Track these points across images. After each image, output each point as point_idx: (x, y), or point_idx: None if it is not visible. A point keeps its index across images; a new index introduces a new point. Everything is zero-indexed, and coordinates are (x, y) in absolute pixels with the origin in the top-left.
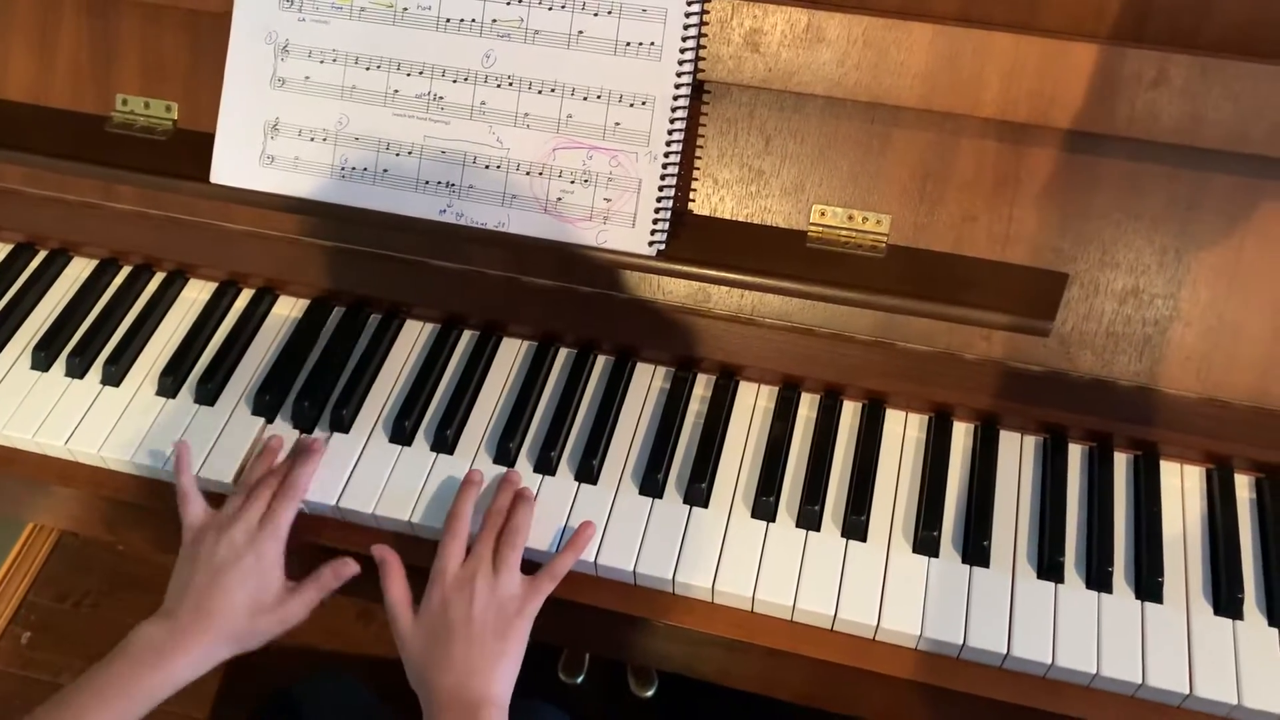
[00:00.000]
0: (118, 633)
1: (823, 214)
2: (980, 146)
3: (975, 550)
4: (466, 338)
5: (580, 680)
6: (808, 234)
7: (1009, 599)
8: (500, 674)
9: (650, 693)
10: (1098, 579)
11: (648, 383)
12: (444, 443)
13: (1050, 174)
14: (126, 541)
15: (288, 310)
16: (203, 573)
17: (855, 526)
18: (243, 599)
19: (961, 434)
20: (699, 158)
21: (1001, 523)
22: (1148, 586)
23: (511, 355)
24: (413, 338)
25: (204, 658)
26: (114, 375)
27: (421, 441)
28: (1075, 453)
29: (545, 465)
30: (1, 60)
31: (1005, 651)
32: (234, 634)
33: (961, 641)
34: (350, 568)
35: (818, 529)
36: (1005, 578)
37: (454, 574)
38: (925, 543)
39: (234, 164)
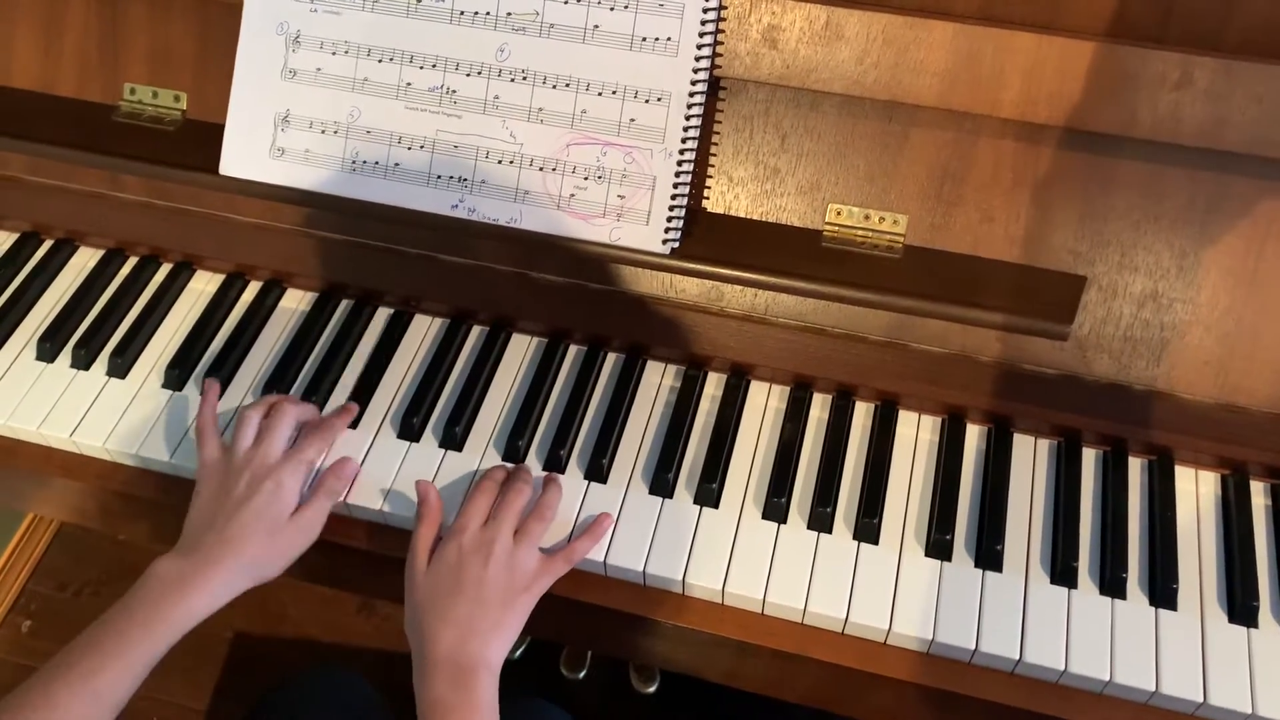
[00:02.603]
0: None
1: (839, 213)
2: (999, 147)
3: (988, 554)
4: (476, 333)
5: (582, 675)
6: (823, 233)
7: (1022, 604)
8: (498, 641)
9: (652, 688)
10: (1111, 585)
11: (658, 381)
12: (452, 439)
13: (1069, 175)
14: (131, 535)
15: (295, 303)
16: (221, 504)
17: (867, 529)
18: (262, 526)
19: (975, 436)
20: (714, 155)
21: (1015, 527)
22: (1162, 593)
23: (521, 351)
24: (421, 332)
25: (224, 588)
26: (120, 367)
27: (430, 438)
28: (1089, 457)
29: (555, 463)
30: (7, 48)
31: (1018, 657)
32: (253, 561)
33: (974, 646)
34: (350, 465)
35: (829, 531)
36: (1018, 582)
37: (475, 532)
38: (938, 546)
39: (244, 156)
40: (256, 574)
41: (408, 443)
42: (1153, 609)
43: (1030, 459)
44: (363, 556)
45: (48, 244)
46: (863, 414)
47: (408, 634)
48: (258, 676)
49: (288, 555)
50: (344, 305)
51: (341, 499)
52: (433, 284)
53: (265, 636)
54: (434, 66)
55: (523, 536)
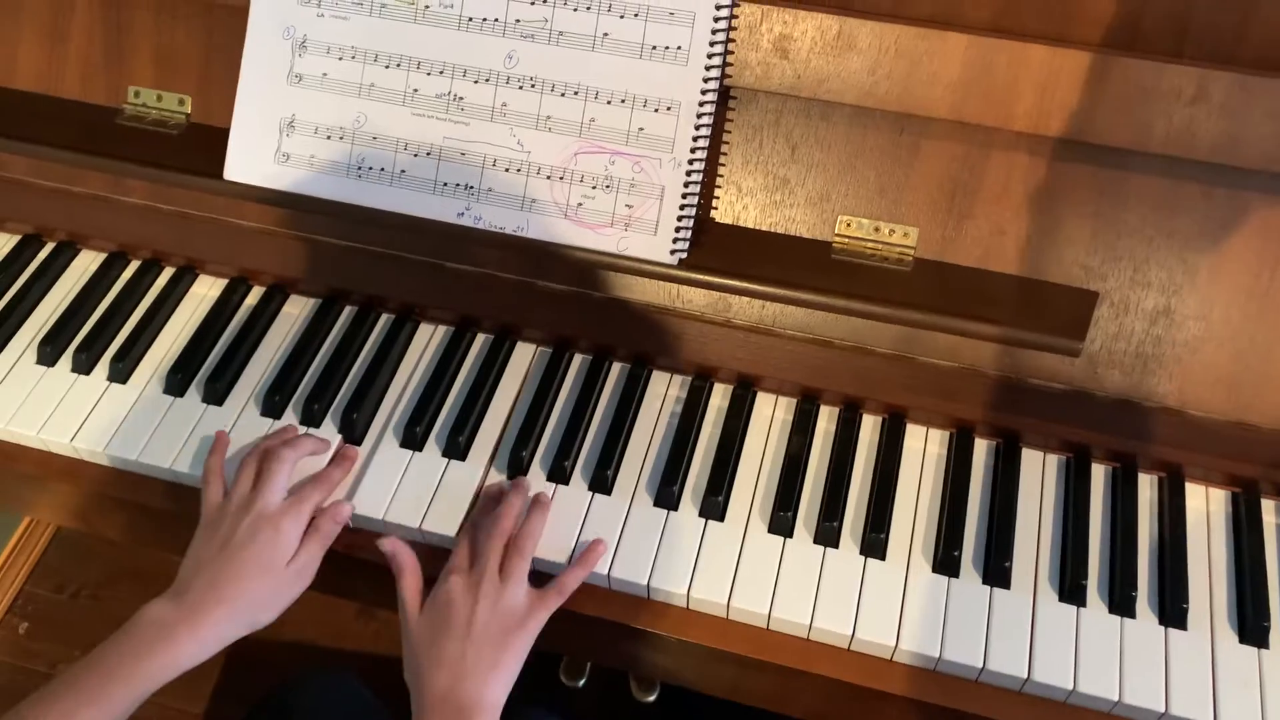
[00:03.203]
0: (115, 625)
1: (848, 225)
2: (1011, 160)
3: (996, 571)
4: (480, 341)
5: (582, 684)
6: (833, 245)
7: (1030, 622)
8: (494, 683)
9: (652, 698)
10: (1121, 603)
11: (664, 391)
12: (456, 449)
13: (1082, 189)
14: (130, 541)
15: (298, 309)
16: (217, 549)
17: (874, 544)
18: (256, 572)
19: (983, 451)
20: (723, 165)
21: (1023, 543)
22: (1172, 613)
23: (525, 360)
24: (425, 340)
25: (215, 636)
26: (121, 372)
27: (433, 447)
28: (1099, 473)
29: (559, 474)
30: (11, 49)
31: (1026, 675)
32: (247, 607)
33: (981, 664)
34: (345, 510)
35: (836, 546)
36: (1026, 600)
37: (463, 576)
38: (946, 562)
39: (248, 161)
40: (249, 621)
41: (411, 451)
42: (1162, 628)
43: (1039, 474)
44: (364, 566)
45: (49, 246)
46: (870, 427)
47: (408, 682)
48: (255, 680)
49: (282, 602)
50: (347, 311)
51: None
52: (437, 291)
53: (263, 640)
54: (441, 73)
55: (506, 575)
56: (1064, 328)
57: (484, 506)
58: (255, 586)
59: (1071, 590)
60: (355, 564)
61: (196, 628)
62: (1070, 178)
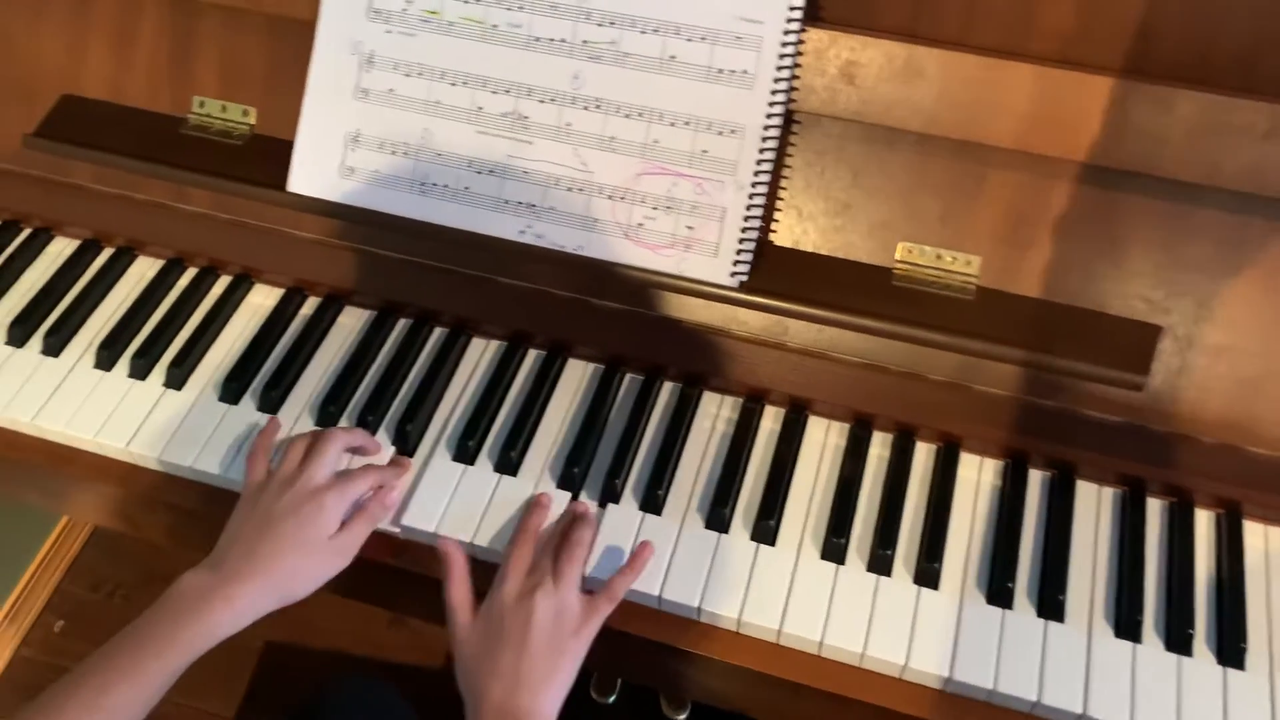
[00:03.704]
0: None
1: (910, 252)
2: (1076, 191)
3: (1051, 604)
4: (532, 357)
5: (612, 700)
6: (893, 271)
7: (1085, 657)
8: (549, 692)
9: (683, 717)
10: (1177, 641)
11: (715, 412)
12: (508, 464)
13: (1147, 223)
14: (183, 549)
15: (354, 320)
16: (256, 521)
17: (928, 573)
18: (293, 545)
19: (1037, 482)
20: (784, 188)
21: (1078, 577)
22: (1230, 653)
23: (577, 377)
24: (478, 354)
25: (248, 606)
26: (177, 378)
27: (485, 461)
28: (1154, 507)
29: (610, 493)
30: (80, 56)
31: (1080, 711)
32: (282, 580)
33: (1035, 698)
34: (395, 494)
35: (889, 574)
36: (1081, 634)
37: (516, 584)
38: (999, 594)
39: (312, 174)
40: (284, 594)
41: (463, 465)
42: (1220, 668)
43: (1094, 507)
44: (409, 578)
45: (108, 252)
46: (924, 454)
47: (461, 690)
48: (287, 687)
49: (319, 577)
50: (402, 324)
51: (390, 522)
52: (491, 306)
53: (296, 647)
54: (507, 92)
55: (560, 580)
56: (1127, 361)
57: (532, 514)
58: (292, 559)
59: (1127, 626)
60: (404, 576)
61: (231, 598)
62: (1135, 211)
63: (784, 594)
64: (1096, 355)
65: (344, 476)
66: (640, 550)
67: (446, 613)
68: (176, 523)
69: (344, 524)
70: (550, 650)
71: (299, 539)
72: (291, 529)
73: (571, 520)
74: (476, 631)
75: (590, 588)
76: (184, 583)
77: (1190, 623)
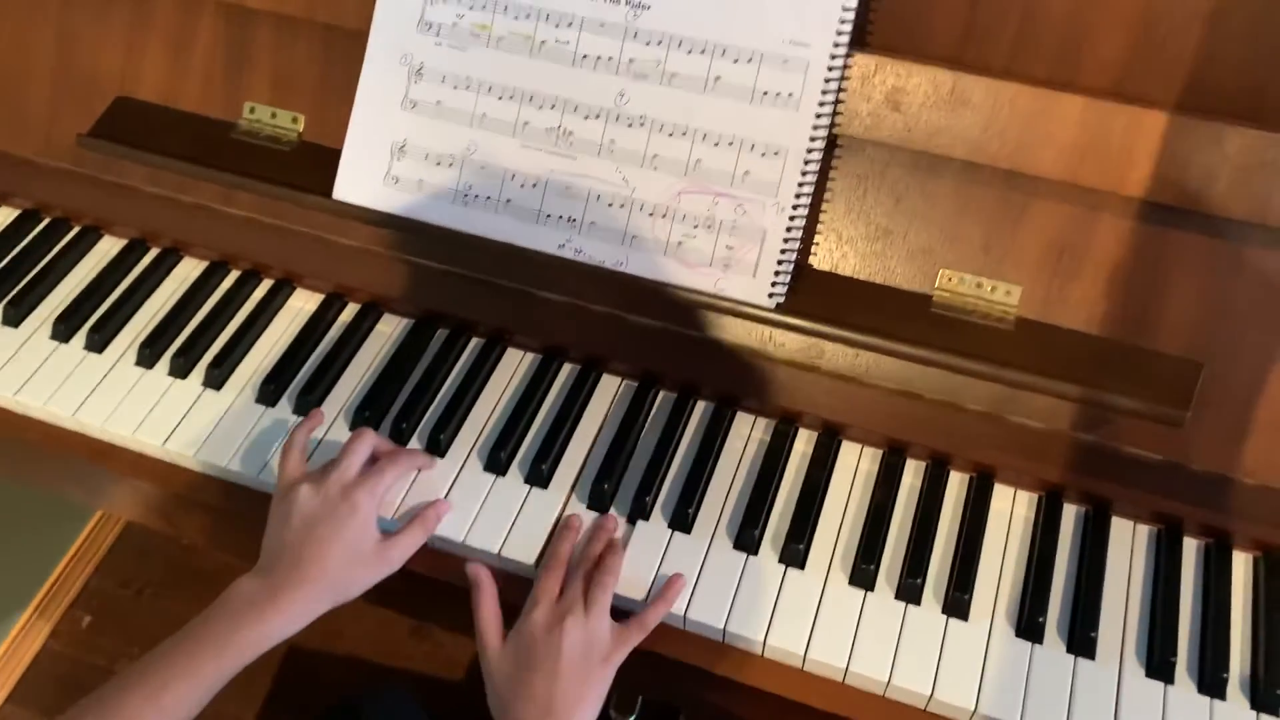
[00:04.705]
0: (176, 624)
1: (950, 279)
2: (1120, 225)
3: (1082, 640)
4: (566, 371)
5: (633, 719)
6: (933, 298)
7: (1115, 696)
8: (579, 716)
9: None
10: (1211, 685)
11: (747, 433)
12: (538, 477)
13: (1193, 259)
14: (211, 545)
15: (391, 328)
16: (296, 525)
17: (957, 604)
18: (339, 550)
19: (1071, 517)
20: (825, 211)
21: (1110, 613)
22: (1265, 699)
23: (611, 392)
24: (513, 366)
25: (302, 612)
26: (217, 378)
27: (516, 473)
28: (1190, 547)
29: (640, 510)
30: (137, 59)
31: None
32: (331, 585)
33: None
34: (445, 506)
35: (918, 603)
36: (1112, 672)
37: (547, 610)
38: (1030, 628)
39: (358, 182)
40: (336, 596)
41: (494, 476)
42: (1254, 713)
43: (1128, 544)
44: (436, 586)
45: (154, 252)
46: (957, 484)
47: (493, 712)
48: (308, 690)
49: (366, 580)
50: (439, 333)
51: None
52: (527, 319)
53: (318, 652)
54: (553, 107)
55: (592, 608)
56: (1167, 397)
57: (562, 538)
58: (338, 565)
59: (1160, 667)
60: (431, 585)
61: (282, 605)
62: (1181, 246)
63: (810, 619)
64: (1136, 390)
65: (372, 470)
66: (673, 581)
67: (476, 636)
68: (211, 522)
69: (396, 531)
70: (581, 677)
71: (342, 543)
72: (331, 533)
73: (603, 547)
74: (508, 656)
75: (617, 605)
76: (239, 588)
77: (1225, 666)
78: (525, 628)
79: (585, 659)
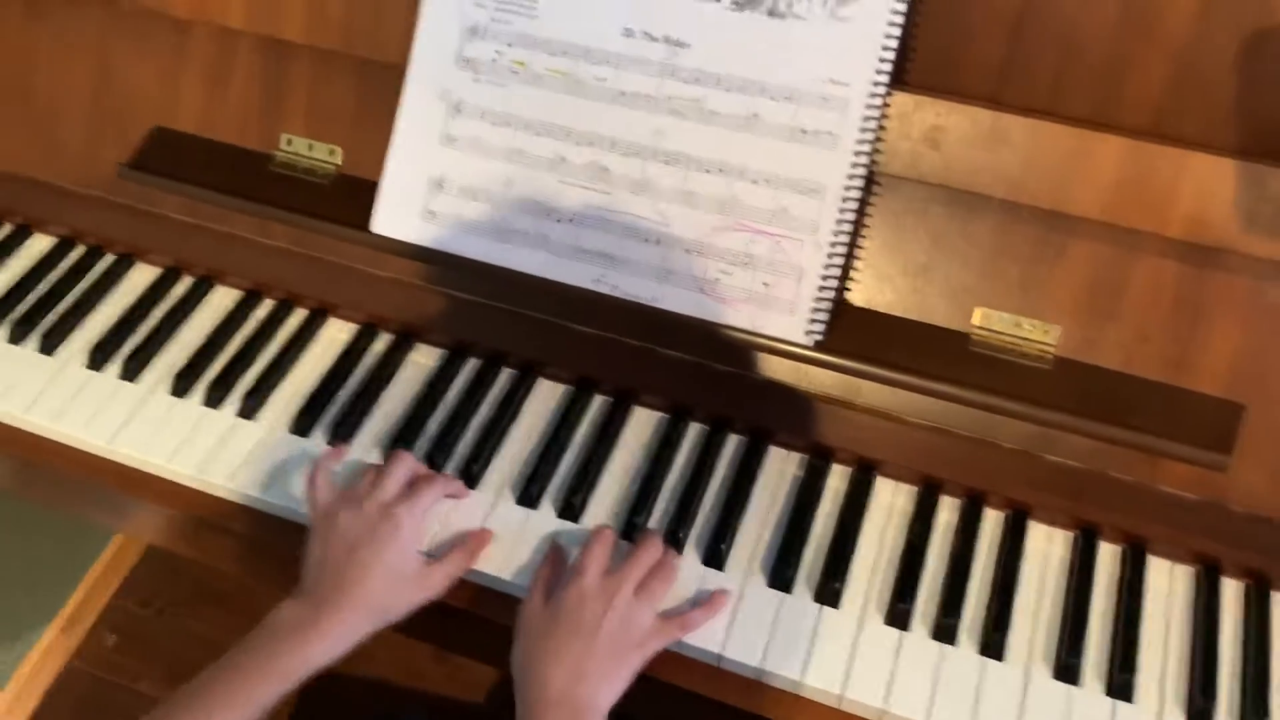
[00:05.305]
0: (198, 644)
1: (988, 318)
2: (1161, 265)
3: (1120, 684)
4: (598, 403)
5: None
6: (970, 336)
7: None
8: (607, 691)
9: None
10: None
11: (781, 468)
12: (570, 510)
13: (1234, 300)
14: (241, 572)
15: (424, 358)
16: (338, 547)
17: (993, 644)
18: (381, 570)
19: (1108, 556)
20: (862, 248)
21: (1148, 656)
22: None
23: (643, 425)
24: (544, 398)
25: (345, 635)
26: (251, 409)
27: (547, 506)
28: (1230, 588)
29: (672, 545)
30: (175, 90)
31: None
32: (374, 607)
33: None
34: (488, 535)
35: (953, 643)
36: (1150, 717)
37: (596, 578)
38: (1067, 669)
39: (396, 215)
40: (379, 618)
41: (526, 509)
42: None
43: (1167, 585)
44: (463, 617)
45: (188, 281)
46: (992, 522)
47: (514, 671)
48: (327, 712)
49: (408, 603)
50: (471, 364)
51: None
52: (559, 350)
53: (337, 674)
54: (590, 144)
55: (644, 593)
56: (1208, 439)
57: (604, 529)
58: (381, 586)
59: (1199, 714)
60: (458, 616)
61: (325, 628)
62: (1222, 288)
63: (846, 658)
64: (1178, 432)
65: (412, 490)
66: (718, 595)
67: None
68: (241, 549)
69: (439, 558)
70: (614, 653)
71: (384, 564)
72: (373, 554)
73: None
74: (547, 614)
75: None
76: (281, 613)
77: (1266, 711)
78: (571, 591)
79: (622, 638)
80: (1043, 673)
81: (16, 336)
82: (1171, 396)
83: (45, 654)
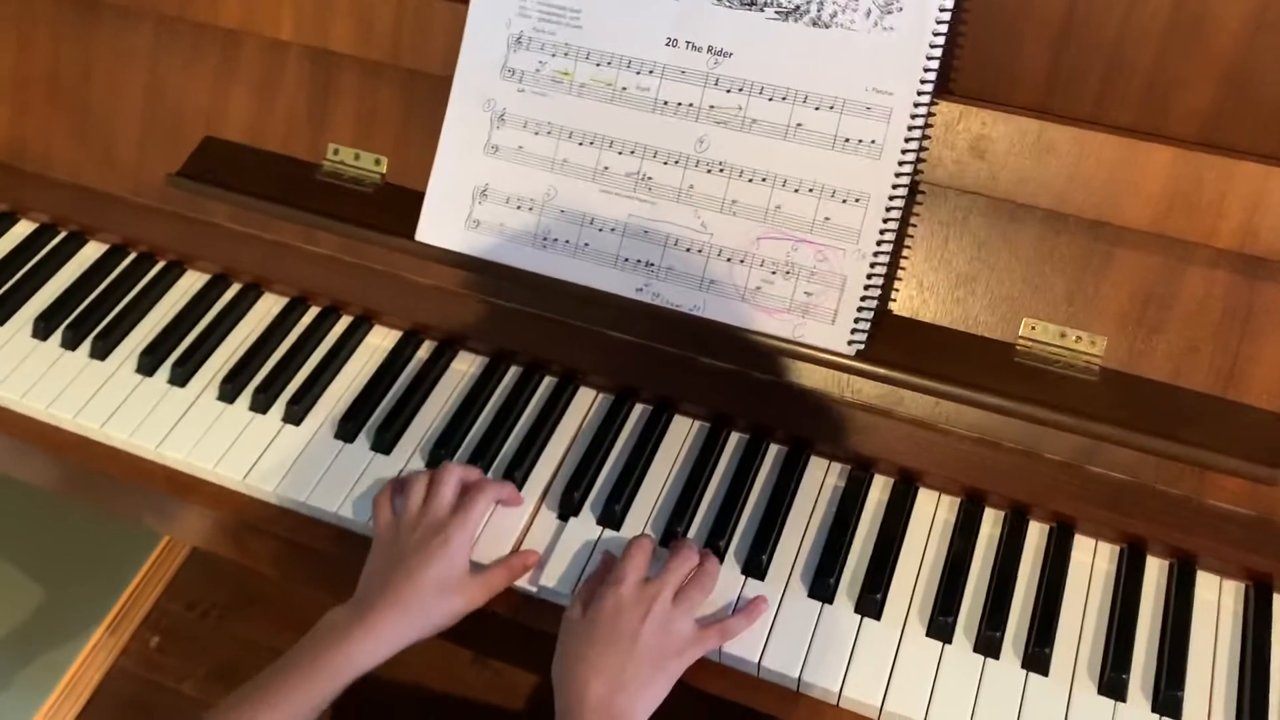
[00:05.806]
0: (241, 646)
1: (1033, 328)
2: (1210, 276)
3: (1167, 701)
4: (638, 411)
5: None
6: (1015, 347)
7: None
8: (645, 700)
9: None
10: None
11: (821, 478)
12: (611, 518)
13: None
14: (284, 577)
15: (466, 366)
16: (389, 559)
17: (1037, 659)
18: (428, 580)
19: (1155, 571)
20: (906, 258)
21: (1196, 671)
22: None
23: (683, 434)
24: (585, 405)
25: (389, 637)
26: (296, 414)
27: (588, 514)
28: None
29: (713, 554)
30: (225, 101)
31: None
32: (419, 610)
33: None
34: (536, 556)
35: (997, 656)
36: None
37: (634, 586)
38: (1112, 685)
39: (440, 224)
40: (424, 626)
41: (567, 516)
42: None
43: (1215, 600)
44: (504, 623)
45: (235, 288)
46: (1037, 534)
47: (554, 677)
48: (366, 713)
49: (452, 610)
50: (513, 372)
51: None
52: (600, 359)
53: (376, 679)
54: (633, 153)
55: (683, 601)
56: (1258, 453)
57: (643, 538)
58: (428, 593)
59: None
60: (508, 624)
61: (370, 626)
62: (1272, 298)
63: (887, 671)
64: (1225, 445)
65: (463, 505)
66: (757, 601)
67: (578, 589)
68: (285, 554)
69: (485, 569)
70: (653, 661)
71: (432, 575)
72: (422, 566)
73: (701, 557)
74: (587, 622)
75: None
76: (329, 617)
77: None
78: (608, 601)
79: (661, 647)
80: (1088, 688)
81: (69, 342)
82: (1220, 409)
83: (93, 654)
